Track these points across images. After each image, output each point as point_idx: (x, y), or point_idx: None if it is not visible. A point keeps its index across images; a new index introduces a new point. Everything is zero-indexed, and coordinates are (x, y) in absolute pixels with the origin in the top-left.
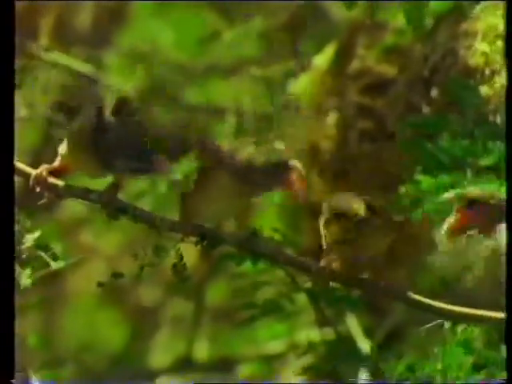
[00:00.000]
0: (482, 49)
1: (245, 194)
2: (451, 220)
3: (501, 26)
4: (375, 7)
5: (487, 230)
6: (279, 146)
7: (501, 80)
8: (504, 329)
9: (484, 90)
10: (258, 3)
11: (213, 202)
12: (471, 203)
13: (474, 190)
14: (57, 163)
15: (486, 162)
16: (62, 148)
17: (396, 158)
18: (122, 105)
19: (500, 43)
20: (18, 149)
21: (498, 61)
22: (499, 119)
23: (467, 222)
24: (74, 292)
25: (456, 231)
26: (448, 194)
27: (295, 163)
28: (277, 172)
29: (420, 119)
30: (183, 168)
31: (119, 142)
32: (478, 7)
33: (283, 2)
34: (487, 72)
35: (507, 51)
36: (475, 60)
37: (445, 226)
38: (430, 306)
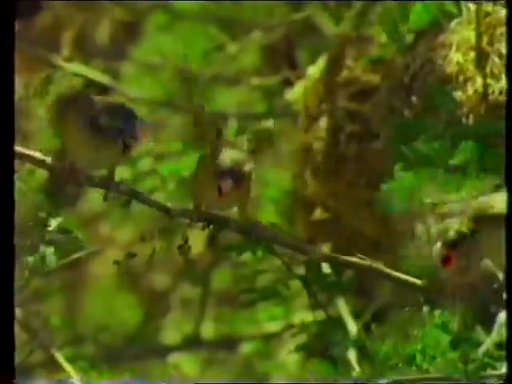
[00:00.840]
0: (457, 59)
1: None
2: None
3: (473, 38)
4: (361, 23)
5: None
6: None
7: (473, 87)
8: (504, 328)
9: (458, 95)
10: (257, 20)
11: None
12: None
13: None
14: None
15: (455, 161)
16: None
17: (380, 157)
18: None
19: (472, 54)
20: (43, 148)
21: (471, 69)
22: (471, 121)
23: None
24: (94, 277)
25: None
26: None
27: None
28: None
29: (401, 122)
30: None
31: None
32: (453, 22)
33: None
34: (461, 79)
35: (507, 52)
36: (450, 69)
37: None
38: (413, 284)
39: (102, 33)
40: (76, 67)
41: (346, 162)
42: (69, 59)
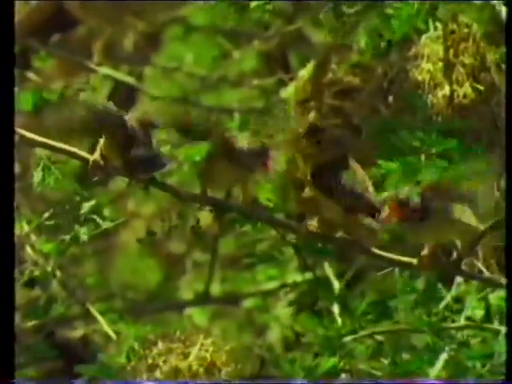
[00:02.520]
0: (427, 68)
1: (239, 173)
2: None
3: (441, 51)
4: (343, 33)
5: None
6: (265, 138)
7: (441, 91)
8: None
9: (429, 98)
10: (256, 32)
11: (219, 178)
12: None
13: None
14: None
15: (436, 150)
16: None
17: (360, 147)
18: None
19: (440, 64)
20: (78, 141)
21: (439, 77)
22: (440, 119)
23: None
24: (121, 245)
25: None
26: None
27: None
28: (259, 156)
29: (380, 119)
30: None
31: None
32: (423, 37)
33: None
34: (431, 85)
35: (507, 53)
36: (422, 76)
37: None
38: (384, 256)
39: (128, 42)
40: (106, 71)
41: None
42: (99, 64)
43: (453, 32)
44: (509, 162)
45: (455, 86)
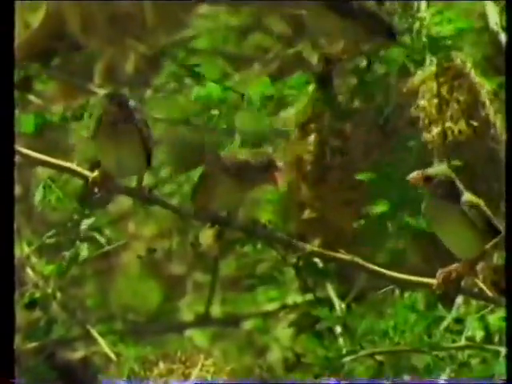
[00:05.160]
0: (422, 104)
1: (241, 188)
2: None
3: (435, 87)
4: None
5: None
6: (268, 150)
7: (436, 128)
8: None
9: (423, 135)
10: (256, 55)
11: (219, 196)
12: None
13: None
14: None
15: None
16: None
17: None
18: None
19: (435, 100)
20: (79, 160)
21: (434, 113)
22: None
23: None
24: (121, 266)
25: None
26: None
27: (280, 163)
28: (266, 169)
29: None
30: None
31: None
32: (418, 73)
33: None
34: (426, 122)
35: (507, 55)
36: (417, 113)
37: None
38: (384, 274)
39: (128, 65)
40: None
41: (330, 171)
42: (101, 86)
43: (447, 68)
44: (508, 169)
45: (449, 123)
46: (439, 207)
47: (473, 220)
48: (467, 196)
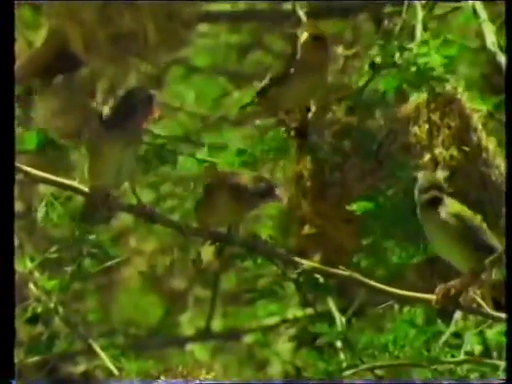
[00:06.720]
0: (414, 131)
1: (240, 208)
2: None
3: (425, 113)
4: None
5: None
6: (266, 175)
7: (428, 154)
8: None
9: (414, 162)
10: (256, 73)
11: (219, 213)
12: None
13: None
14: None
15: None
16: None
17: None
18: None
19: (426, 126)
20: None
21: (425, 139)
22: None
23: None
24: (123, 281)
25: None
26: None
27: (279, 188)
28: (265, 193)
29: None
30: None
31: None
32: (411, 98)
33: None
34: (418, 148)
35: (506, 57)
36: (409, 139)
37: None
38: (383, 290)
39: (130, 83)
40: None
41: (330, 188)
42: (103, 104)
43: (439, 95)
44: (509, 174)
45: (440, 149)
46: (429, 216)
47: (459, 231)
48: (452, 206)
